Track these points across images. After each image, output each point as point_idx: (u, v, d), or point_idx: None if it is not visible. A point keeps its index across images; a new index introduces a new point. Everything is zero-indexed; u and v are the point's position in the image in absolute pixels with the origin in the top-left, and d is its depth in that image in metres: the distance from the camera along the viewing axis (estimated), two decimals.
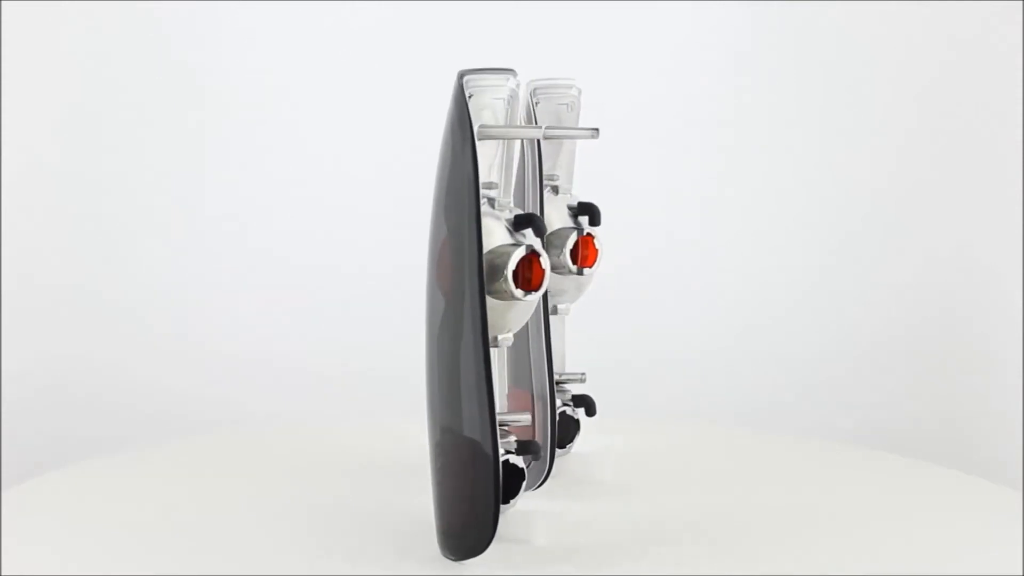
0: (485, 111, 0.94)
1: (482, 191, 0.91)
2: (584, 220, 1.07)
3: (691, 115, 1.71)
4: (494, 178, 0.96)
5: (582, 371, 1.12)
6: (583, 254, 1.07)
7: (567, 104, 1.10)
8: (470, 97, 0.91)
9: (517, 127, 0.95)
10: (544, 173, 1.07)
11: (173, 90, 1.63)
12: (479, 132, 0.93)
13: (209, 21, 1.63)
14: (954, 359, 1.70)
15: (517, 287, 0.90)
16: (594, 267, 1.08)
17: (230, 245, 1.65)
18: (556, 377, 1.11)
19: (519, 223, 0.91)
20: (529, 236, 0.91)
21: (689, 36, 1.71)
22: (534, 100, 1.06)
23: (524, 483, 0.95)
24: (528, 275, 0.91)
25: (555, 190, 1.08)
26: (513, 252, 0.90)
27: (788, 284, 1.73)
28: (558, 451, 1.10)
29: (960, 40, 1.69)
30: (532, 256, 0.91)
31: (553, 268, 1.07)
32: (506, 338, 0.92)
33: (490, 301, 0.90)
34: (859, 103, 1.72)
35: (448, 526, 0.90)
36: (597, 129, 1.10)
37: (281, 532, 0.95)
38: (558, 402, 1.10)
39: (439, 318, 0.90)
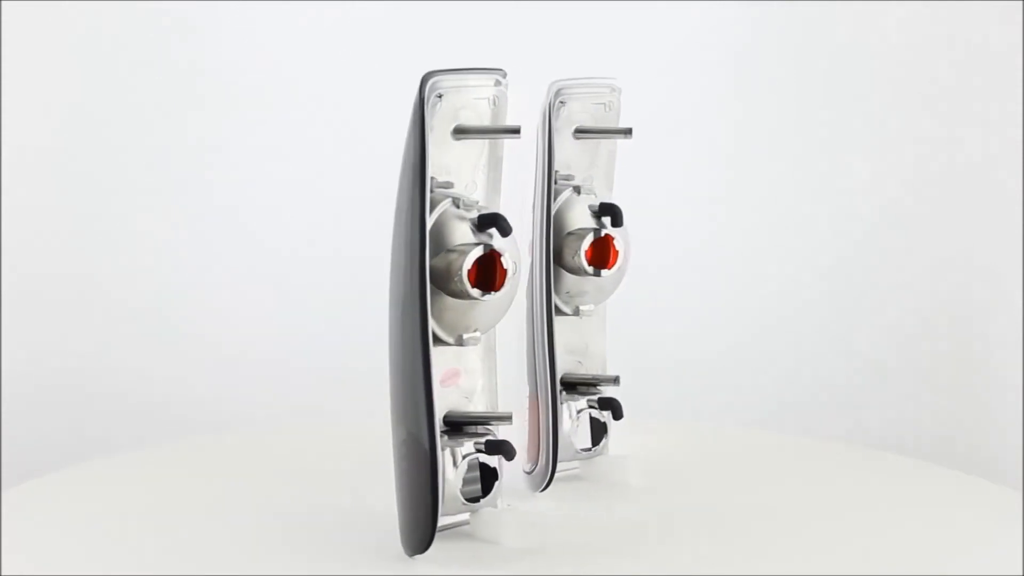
0: (464, 111, 0.94)
1: (440, 191, 0.92)
2: (606, 221, 1.06)
3: (697, 115, 1.70)
4: (479, 178, 0.97)
5: (616, 374, 1.11)
6: (602, 255, 1.06)
7: (605, 104, 1.09)
8: (440, 97, 0.92)
9: (493, 127, 0.95)
10: (562, 173, 1.06)
11: (173, 88, 1.64)
12: (455, 131, 0.94)
13: (209, 18, 1.64)
14: (954, 359, 1.69)
15: (473, 287, 0.90)
16: (614, 269, 1.06)
17: (234, 245, 1.66)
18: (589, 379, 1.10)
19: (483, 223, 0.91)
20: (496, 237, 0.92)
21: (703, 41, 1.71)
22: (558, 100, 1.05)
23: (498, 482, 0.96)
24: (487, 275, 0.91)
25: (577, 190, 1.07)
26: (469, 252, 0.90)
27: (793, 288, 1.72)
28: (585, 453, 1.10)
29: (967, 42, 1.67)
30: (492, 255, 0.91)
31: (570, 269, 1.07)
32: (472, 337, 0.93)
33: (450, 301, 0.91)
34: (871, 106, 1.70)
35: (402, 522, 0.92)
36: (630, 129, 1.10)
37: (281, 533, 0.96)
38: (583, 403, 1.09)
39: (393, 317, 0.91)
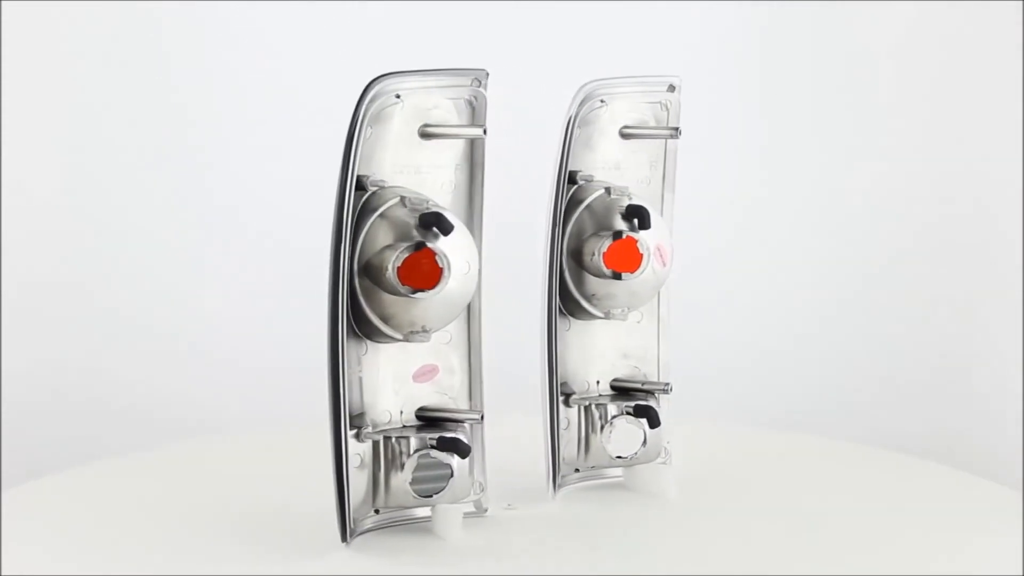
0: (435, 111, 0.95)
1: (390, 189, 0.93)
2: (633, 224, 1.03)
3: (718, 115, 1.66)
4: (458, 178, 0.97)
5: (667, 381, 1.07)
6: (624, 259, 1.02)
7: (661, 103, 1.06)
8: (399, 97, 0.93)
9: (457, 126, 0.95)
10: (583, 174, 1.04)
11: (170, 91, 1.64)
12: (420, 132, 0.95)
13: (209, 18, 1.63)
14: (955, 358, 1.68)
15: (403, 283, 0.91)
16: (639, 272, 1.03)
17: (233, 249, 1.65)
18: (639, 385, 1.08)
19: (424, 222, 0.92)
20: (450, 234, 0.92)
21: (717, 43, 1.69)
22: (597, 100, 1.03)
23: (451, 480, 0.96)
24: (418, 272, 0.91)
25: (608, 191, 1.04)
26: (400, 249, 0.91)
27: (799, 292, 1.72)
28: (621, 459, 1.06)
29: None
30: (425, 253, 0.91)
31: (591, 272, 1.04)
32: (420, 335, 0.94)
33: (389, 298, 0.92)
34: (885, 113, 1.69)
35: None
36: (677, 128, 1.06)
37: (277, 534, 0.98)
38: (614, 410, 1.06)
39: None
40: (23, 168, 1.60)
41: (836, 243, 1.71)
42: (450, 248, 0.92)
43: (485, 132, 0.95)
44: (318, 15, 1.64)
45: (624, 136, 1.06)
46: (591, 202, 1.04)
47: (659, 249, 1.04)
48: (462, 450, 0.95)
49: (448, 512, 0.95)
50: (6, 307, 1.59)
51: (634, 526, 1.00)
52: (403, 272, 0.91)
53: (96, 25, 1.61)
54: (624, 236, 1.02)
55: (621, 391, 1.08)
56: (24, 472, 1.36)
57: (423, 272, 0.91)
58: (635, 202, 1.03)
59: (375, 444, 0.94)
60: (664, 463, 1.07)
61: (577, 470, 1.07)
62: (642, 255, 1.03)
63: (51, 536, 0.99)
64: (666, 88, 1.06)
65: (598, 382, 1.07)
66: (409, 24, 1.65)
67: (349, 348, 0.93)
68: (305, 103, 1.67)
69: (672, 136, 1.06)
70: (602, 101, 1.04)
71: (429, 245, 0.91)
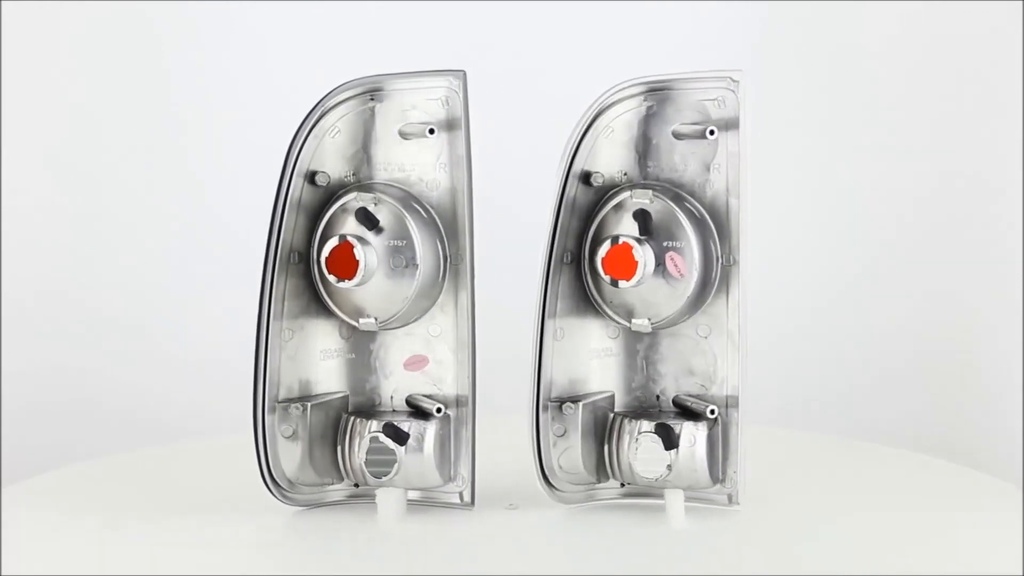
0: (414, 111, 0.99)
1: (346, 184, 0.98)
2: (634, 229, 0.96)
3: None
4: (440, 174, 0.99)
5: (711, 405, 0.98)
6: (620, 264, 0.95)
7: (717, 100, 0.98)
8: (372, 99, 0.99)
9: (412, 124, 0.98)
10: (595, 175, 0.98)
11: (167, 95, 1.57)
12: (400, 131, 0.99)
13: (209, 22, 1.55)
14: (955, 358, 1.62)
15: (330, 273, 0.97)
16: (634, 280, 0.95)
17: (227, 255, 1.55)
18: (691, 403, 0.99)
19: (357, 217, 0.97)
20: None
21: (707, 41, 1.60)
22: (633, 99, 0.98)
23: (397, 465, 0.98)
24: (340, 263, 0.96)
25: (631, 193, 0.97)
26: (328, 241, 0.97)
27: (798, 291, 1.65)
28: (646, 475, 0.99)
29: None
30: (345, 246, 0.96)
31: (601, 278, 0.98)
32: (367, 322, 0.98)
33: (332, 286, 0.99)
34: (879, 114, 1.62)
35: None
36: (710, 129, 0.97)
37: (272, 533, 1.00)
38: (637, 429, 0.98)
39: None
40: (20, 172, 1.60)
41: (834, 238, 1.65)
42: (387, 244, 0.97)
43: (431, 132, 0.97)
44: (318, 16, 1.60)
45: (676, 136, 0.99)
46: (614, 205, 0.99)
47: (672, 258, 0.97)
48: (400, 438, 0.98)
49: (388, 496, 0.99)
50: (5, 309, 1.60)
51: (632, 526, 0.98)
52: (329, 262, 0.98)
53: (95, 26, 1.60)
54: (621, 242, 0.97)
55: (684, 409, 1.01)
56: (24, 472, 1.37)
57: (343, 263, 0.97)
58: (643, 206, 0.97)
59: (344, 424, 1.01)
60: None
61: (623, 484, 1.02)
62: (637, 262, 0.96)
63: (50, 535, 1.01)
64: (724, 84, 0.98)
65: (658, 397, 1.02)
66: (415, 25, 1.58)
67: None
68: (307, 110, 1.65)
69: (702, 136, 0.97)
70: (643, 99, 0.99)
71: (349, 238, 0.97)
